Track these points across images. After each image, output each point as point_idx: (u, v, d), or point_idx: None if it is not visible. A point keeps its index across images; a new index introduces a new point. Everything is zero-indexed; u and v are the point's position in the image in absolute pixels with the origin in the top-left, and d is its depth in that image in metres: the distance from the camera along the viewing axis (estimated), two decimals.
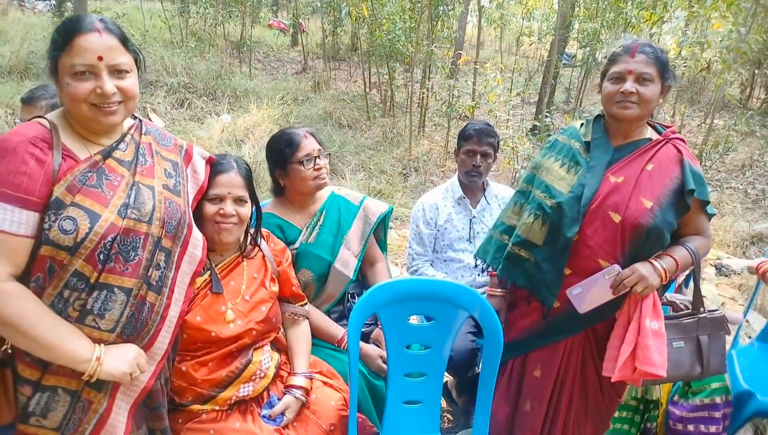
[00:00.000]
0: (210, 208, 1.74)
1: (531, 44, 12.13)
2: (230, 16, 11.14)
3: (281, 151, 2.15)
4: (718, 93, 6.92)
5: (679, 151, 1.85)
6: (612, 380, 1.81)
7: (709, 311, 1.92)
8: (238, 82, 9.36)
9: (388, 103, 9.27)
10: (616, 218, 1.78)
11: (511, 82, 10.72)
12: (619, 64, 1.81)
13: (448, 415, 2.76)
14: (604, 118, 1.95)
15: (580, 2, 9.82)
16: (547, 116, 6.43)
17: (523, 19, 12.69)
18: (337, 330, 2.17)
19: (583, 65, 9.57)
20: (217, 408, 1.73)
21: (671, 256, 1.80)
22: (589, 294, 1.79)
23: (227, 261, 1.84)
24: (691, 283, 1.97)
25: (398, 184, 6.76)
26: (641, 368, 1.74)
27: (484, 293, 2.57)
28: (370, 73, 9.62)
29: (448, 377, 2.67)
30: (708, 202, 1.84)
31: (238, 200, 1.78)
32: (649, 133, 1.92)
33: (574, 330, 1.90)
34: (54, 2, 12.47)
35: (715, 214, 1.91)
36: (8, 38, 8.74)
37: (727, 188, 7.45)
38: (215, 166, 1.76)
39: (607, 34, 8.97)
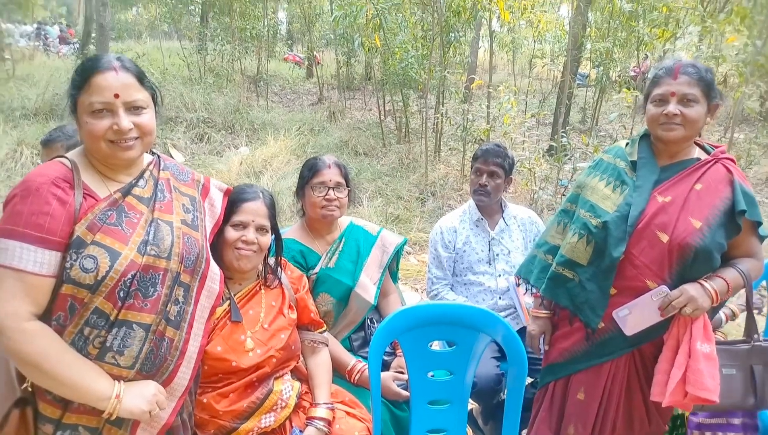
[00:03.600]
0: (232, 234, 1.77)
1: (543, 66, 12.17)
2: (246, 52, 11.42)
3: (302, 173, 2.24)
4: (737, 106, 6.84)
5: (729, 170, 1.80)
6: (663, 405, 1.74)
7: (764, 339, 1.84)
8: (256, 115, 9.53)
9: (403, 130, 9.34)
10: (664, 238, 1.74)
11: (526, 104, 10.74)
12: (661, 86, 1.79)
13: None
14: (650, 137, 1.92)
15: (591, 23, 9.86)
16: (563, 136, 6.40)
17: (534, 41, 12.77)
18: (347, 359, 2.12)
19: (597, 85, 9.55)
20: None
21: (722, 278, 1.73)
22: (636, 316, 1.75)
23: (245, 290, 1.84)
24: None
25: (415, 209, 6.75)
26: (693, 393, 1.67)
27: (506, 317, 2.54)
28: (384, 101, 9.72)
29: (473, 404, 2.61)
30: (761, 224, 1.78)
31: (261, 229, 1.81)
32: (697, 152, 1.87)
33: (620, 352, 1.84)
34: (77, 45, 12.93)
35: (767, 237, 1.84)
36: (34, 81, 9.06)
37: None
38: (241, 194, 1.81)
39: (620, 53, 8.97)
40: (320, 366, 1.96)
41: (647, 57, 9.06)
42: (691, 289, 1.70)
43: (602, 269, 1.80)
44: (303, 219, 2.31)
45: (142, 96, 1.39)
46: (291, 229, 2.32)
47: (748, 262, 1.79)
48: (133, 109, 1.37)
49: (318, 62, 12.62)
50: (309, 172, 2.20)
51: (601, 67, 9.07)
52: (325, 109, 10.52)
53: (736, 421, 2.09)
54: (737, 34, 5.77)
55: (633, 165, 1.89)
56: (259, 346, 1.76)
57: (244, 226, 1.79)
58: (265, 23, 11.73)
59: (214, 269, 1.59)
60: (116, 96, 1.34)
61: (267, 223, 1.82)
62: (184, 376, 1.49)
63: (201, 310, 1.53)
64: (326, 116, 10.17)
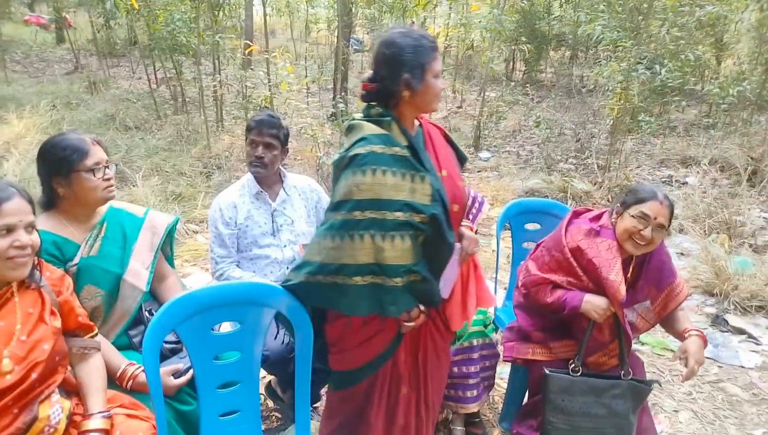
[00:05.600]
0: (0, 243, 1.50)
1: (319, 31, 12.32)
2: None
3: (65, 157, 1.91)
4: (485, 68, 7.78)
5: (438, 128, 2.04)
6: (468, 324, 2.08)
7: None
8: None
9: (180, 100, 8.71)
10: (456, 208, 1.91)
11: (306, 69, 10.80)
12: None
13: (277, 414, 2.73)
14: (393, 117, 1.84)
15: None
16: (340, 102, 6.60)
17: (308, 6, 12.81)
18: (118, 362, 1.93)
19: (370, 50, 10.00)
20: None
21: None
22: (448, 280, 1.93)
23: None
24: None
25: (200, 184, 6.39)
26: (485, 306, 2.11)
27: None
28: (154, 68, 8.92)
29: (271, 376, 2.64)
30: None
31: (29, 227, 1.57)
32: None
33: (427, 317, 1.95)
34: None
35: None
36: None
37: (503, 152, 8.48)
38: None
39: (390, 18, 9.50)
40: (92, 373, 1.76)
41: (413, 23, 9.76)
42: (468, 233, 1.98)
43: (440, 258, 1.86)
44: (52, 208, 2.03)
45: None
46: (37, 221, 2.01)
47: None
48: None
49: (70, 25, 11.00)
50: (77, 154, 1.91)
51: (374, 33, 9.52)
52: (84, 79, 9.29)
53: (475, 355, 2.50)
54: (481, 3, 6.52)
55: (407, 149, 1.81)
56: (18, 362, 1.51)
57: (10, 229, 1.52)
58: None
59: None
60: None
61: (33, 218, 1.60)
62: None
63: None
64: (85, 87, 9.00)
